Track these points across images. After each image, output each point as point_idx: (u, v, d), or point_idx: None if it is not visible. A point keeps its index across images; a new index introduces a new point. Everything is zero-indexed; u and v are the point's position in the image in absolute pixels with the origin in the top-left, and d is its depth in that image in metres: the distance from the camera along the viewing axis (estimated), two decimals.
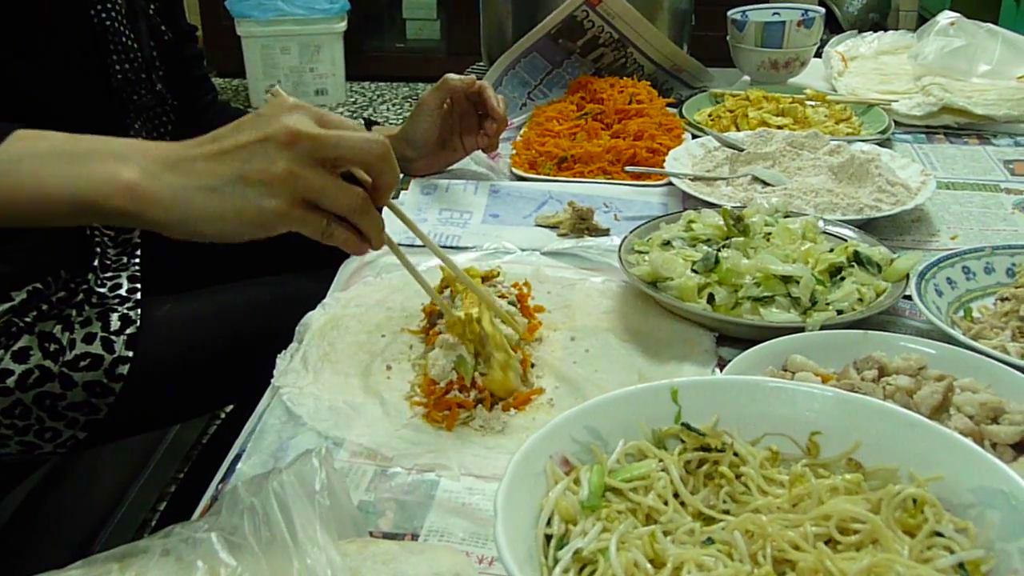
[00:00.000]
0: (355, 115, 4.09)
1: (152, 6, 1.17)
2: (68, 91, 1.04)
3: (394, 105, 4.31)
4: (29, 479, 1.27)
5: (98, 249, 1.13)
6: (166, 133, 1.18)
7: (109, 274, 1.12)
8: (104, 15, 1.05)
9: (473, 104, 1.32)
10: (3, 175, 0.69)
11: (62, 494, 1.37)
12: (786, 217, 1.07)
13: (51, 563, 0.64)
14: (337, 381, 0.89)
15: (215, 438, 1.63)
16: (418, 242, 1.17)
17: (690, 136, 1.47)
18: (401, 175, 1.39)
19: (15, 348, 0.99)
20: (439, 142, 1.33)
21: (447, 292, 0.96)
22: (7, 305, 0.99)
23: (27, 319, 1.00)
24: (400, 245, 1.17)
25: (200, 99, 1.33)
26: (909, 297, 0.95)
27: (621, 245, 1.04)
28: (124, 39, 1.08)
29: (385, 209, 0.80)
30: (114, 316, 1.04)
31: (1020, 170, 1.41)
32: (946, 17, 1.78)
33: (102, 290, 1.08)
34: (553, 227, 1.21)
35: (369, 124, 1.35)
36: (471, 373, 0.84)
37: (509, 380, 0.85)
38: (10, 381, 0.98)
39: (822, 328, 0.89)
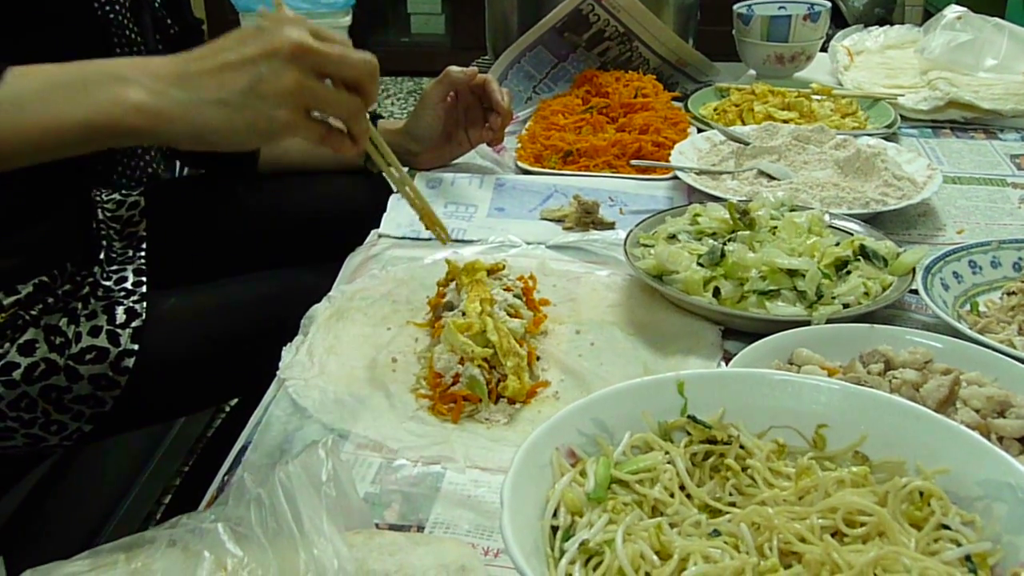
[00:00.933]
0: None
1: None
2: None
3: (399, 100, 4.31)
4: (35, 471, 1.28)
5: (104, 242, 1.13)
6: None
7: (115, 267, 1.12)
8: (108, 8, 1.05)
9: (478, 98, 1.32)
10: (10, 113, 0.70)
11: (68, 486, 1.37)
12: (792, 211, 1.06)
13: (58, 554, 0.64)
14: (343, 373, 0.89)
15: (220, 431, 1.63)
16: (423, 236, 1.18)
17: (696, 130, 1.47)
18: (406, 169, 1.39)
19: (21, 341, 0.99)
20: (444, 136, 1.32)
21: (452, 285, 0.96)
22: (13, 298, 0.99)
23: (33, 312, 1.00)
24: (403, 239, 1.18)
25: None
26: (915, 291, 0.95)
27: (626, 239, 1.04)
28: (128, 32, 1.08)
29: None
30: (120, 309, 1.04)
31: None
32: (953, 11, 1.77)
33: (108, 283, 1.08)
34: (558, 221, 1.21)
35: (374, 118, 1.35)
36: (485, 391, 0.83)
37: (525, 384, 0.85)
38: (16, 374, 0.98)
39: (828, 322, 0.89)
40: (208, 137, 0.73)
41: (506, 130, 1.39)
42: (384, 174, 0.94)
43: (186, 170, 1.47)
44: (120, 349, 1.02)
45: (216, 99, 0.71)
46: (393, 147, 1.32)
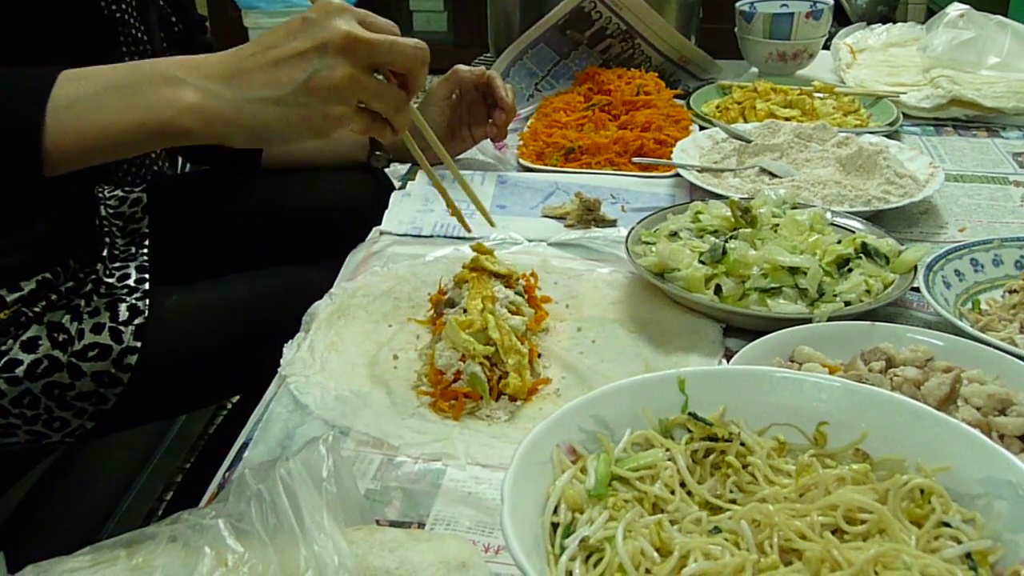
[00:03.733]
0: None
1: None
2: None
3: None
4: (37, 467, 1.28)
5: (107, 239, 1.13)
6: None
7: (118, 264, 1.12)
8: (114, 6, 1.05)
9: (482, 94, 1.32)
10: (67, 119, 0.69)
11: (70, 482, 1.37)
12: (794, 208, 1.06)
13: (59, 550, 0.64)
14: (344, 370, 0.89)
15: (222, 427, 1.64)
16: (424, 233, 1.18)
17: (697, 128, 1.47)
18: (408, 164, 1.39)
19: (24, 338, 0.99)
20: (448, 132, 1.33)
21: (465, 287, 0.95)
22: (16, 295, 0.99)
23: (36, 309, 1.00)
24: (405, 236, 1.18)
25: None
26: (917, 289, 0.95)
27: (628, 236, 1.04)
28: (134, 30, 1.08)
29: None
30: (123, 306, 1.04)
31: None
32: (955, 9, 1.77)
33: (111, 280, 1.08)
34: (560, 218, 1.21)
35: None
36: (486, 388, 0.84)
37: (527, 382, 0.85)
38: (19, 371, 0.98)
39: (829, 319, 0.89)
40: (263, 135, 0.73)
41: (508, 127, 1.39)
42: (419, 161, 0.95)
43: (188, 167, 1.47)
44: (123, 346, 1.02)
45: (269, 97, 0.71)
46: (398, 142, 1.33)
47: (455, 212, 0.96)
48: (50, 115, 0.69)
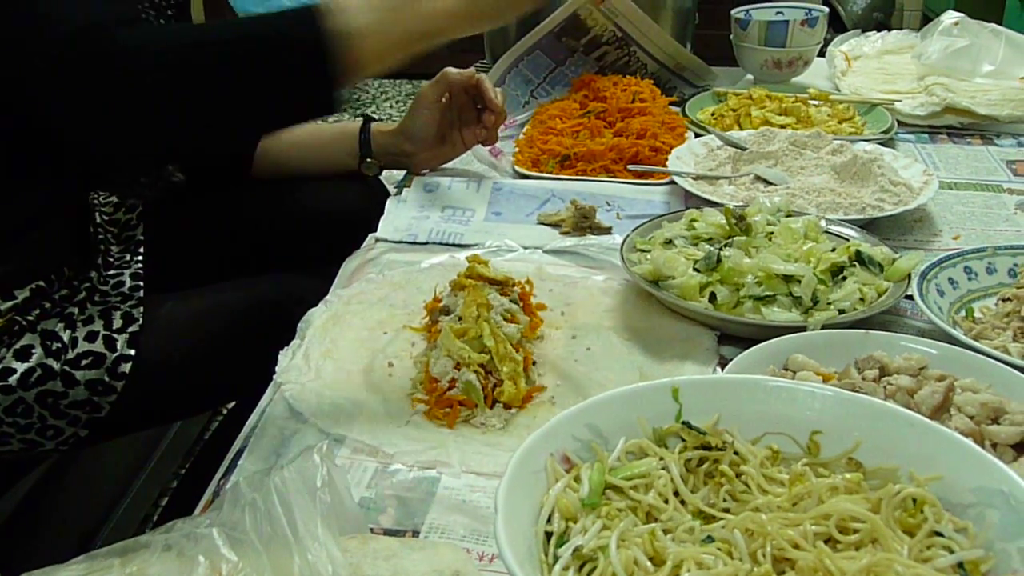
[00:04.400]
0: (357, 112, 4.08)
1: (170, 11, 1.17)
2: None
3: (397, 102, 4.31)
4: (30, 475, 1.27)
5: (101, 247, 1.13)
6: None
7: (112, 272, 1.12)
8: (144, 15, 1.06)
9: (471, 98, 1.32)
10: (367, 29, 0.84)
11: (64, 490, 1.37)
12: (788, 216, 1.07)
13: (53, 559, 0.64)
14: (339, 378, 0.89)
15: (217, 434, 1.63)
16: (420, 240, 1.18)
17: (693, 135, 1.47)
18: (404, 172, 1.39)
19: (17, 346, 0.99)
20: (438, 136, 1.33)
21: (460, 295, 0.95)
22: (10, 303, 0.99)
23: (30, 317, 1.00)
24: (400, 243, 1.18)
25: None
26: (911, 297, 0.95)
27: (623, 243, 1.04)
28: None
29: None
30: (117, 314, 1.04)
31: (1023, 170, 1.41)
32: (950, 17, 1.78)
33: (105, 288, 1.08)
34: (555, 225, 1.21)
35: (367, 121, 1.35)
36: (481, 396, 0.84)
37: (522, 389, 0.85)
38: (12, 379, 0.98)
39: (823, 327, 0.89)
40: (491, 20, 0.95)
41: (504, 134, 1.39)
42: None
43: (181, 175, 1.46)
44: (117, 354, 1.02)
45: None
46: (388, 147, 1.34)
47: None
48: (354, 28, 0.83)
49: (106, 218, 1.21)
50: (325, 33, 0.81)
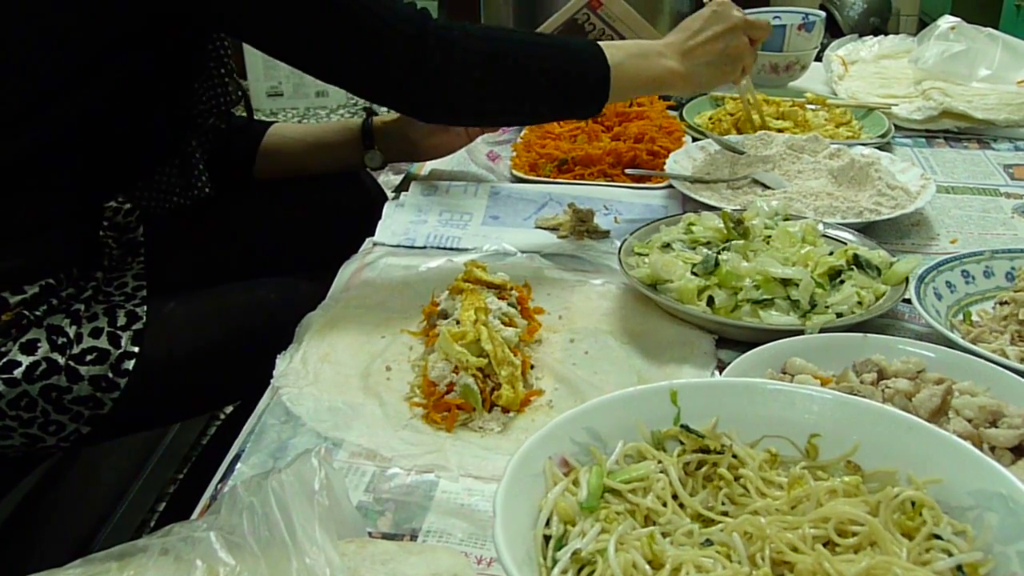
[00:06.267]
0: (356, 114, 4.08)
1: None
2: None
3: None
4: (28, 478, 1.27)
5: (106, 249, 1.13)
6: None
7: (115, 273, 1.12)
8: (219, 43, 1.12)
9: None
10: (620, 73, 1.12)
11: (61, 493, 1.37)
12: (786, 220, 1.07)
13: (50, 562, 0.64)
14: (337, 382, 0.89)
15: (214, 438, 1.63)
16: (418, 244, 1.18)
17: (690, 139, 1.47)
18: (402, 176, 1.39)
19: (23, 340, 0.99)
20: (441, 127, 1.33)
21: (458, 299, 0.95)
22: (19, 298, 0.99)
23: (37, 312, 1.01)
24: (398, 247, 1.18)
25: None
26: (908, 300, 0.95)
27: (621, 247, 1.04)
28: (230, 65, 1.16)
29: None
30: (121, 312, 1.05)
31: (1020, 174, 1.41)
32: (947, 21, 1.78)
33: (109, 288, 1.09)
34: (553, 229, 1.21)
35: (369, 114, 1.35)
36: (479, 400, 0.84)
37: (520, 393, 0.85)
38: (17, 372, 0.98)
39: (821, 331, 0.89)
40: (703, 85, 1.23)
41: (501, 138, 1.39)
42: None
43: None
44: (120, 351, 1.03)
45: (707, 63, 1.18)
46: (393, 135, 1.34)
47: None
48: (615, 63, 1.11)
49: (106, 222, 1.21)
50: (605, 59, 1.09)
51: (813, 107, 1.60)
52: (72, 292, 1.05)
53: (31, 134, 0.98)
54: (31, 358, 0.99)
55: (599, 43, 1.11)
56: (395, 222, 1.24)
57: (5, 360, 0.98)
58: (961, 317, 0.97)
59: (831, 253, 1.00)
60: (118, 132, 1.04)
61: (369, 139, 1.33)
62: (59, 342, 1.01)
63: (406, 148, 1.36)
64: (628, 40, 1.18)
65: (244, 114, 1.33)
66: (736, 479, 0.61)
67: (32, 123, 0.97)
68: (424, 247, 1.18)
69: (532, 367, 0.91)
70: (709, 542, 0.56)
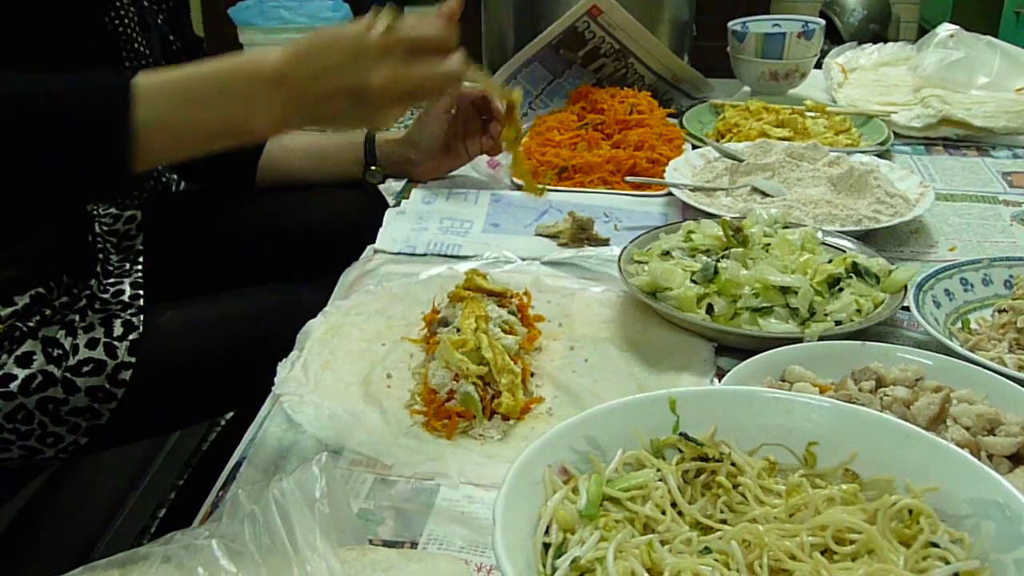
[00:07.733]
0: None
1: (161, 16, 1.17)
2: None
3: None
4: (29, 486, 1.27)
5: (100, 255, 1.14)
6: None
7: (112, 280, 1.12)
8: (117, 21, 1.06)
9: (477, 109, 1.33)
10: (157, 119, 0.77)
11: (62, 501, 1.37)
12: (785, 228, 1.07)
13: (51, 570, 0.64)
14: (337, 389, 0.89)
15: (215, 445, 1.63)
16: (418, 251, 1.19)
17: (690, 147, 1.48)
18: (403, 184, 1.40)
19: (18, 353, 0.99)
20: (443, 146, 1.34)
21: (459, 306, 0.95)
22: (10, 309, 0.99)
23: (30, 324, 1.01)
24: (399, 254, 1.18)
25: None
26: (907, 308, 0.95)
27: (621, 255, 1.05)
28: (136, 44, 1.09)
29: None
30: (117, 322, 1.05)
31: (1019, 182, 1.41)
32: (946, 29, 1.79)
33: (105, 296, 1.09)
34: (553, 237, 1.21)
35: (372, 132, 1.36)
36: (479, 408, 0.84)
37: (520, 401, 0.85)
38: (13, 386, 0.98)
39: (820, 339, 0.89)
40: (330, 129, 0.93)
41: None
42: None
43: (183, 184, 1.47)
44: (117, 361, 1.03)
45: (329, 116, 0.82)
46: (393, 156, 1.34)
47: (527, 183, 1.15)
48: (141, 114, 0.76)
49: (106, 228, 1.21)
50: (123, 113, 0.76)
51: (812, 115, 1.61)
52: (66, 301, 1.04)
53: None
54: (27, 371, 0.99)
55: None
56: (396, 229, 1.25)
57: (1, 373, 0.98)
58: (960, 325, 0.97)
59: (830, 261, 1.00)
60: None
61: (371, 157, 1.34)
62: (55, 354, 1.00)
63: (407, 168, 1.37)
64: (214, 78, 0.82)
65: None
66: (735, 487, 0.61)
67: None
68: (425, 254, 1.19)
69: (532, 375, 0.91)
70: (708, 550, 0.56)
